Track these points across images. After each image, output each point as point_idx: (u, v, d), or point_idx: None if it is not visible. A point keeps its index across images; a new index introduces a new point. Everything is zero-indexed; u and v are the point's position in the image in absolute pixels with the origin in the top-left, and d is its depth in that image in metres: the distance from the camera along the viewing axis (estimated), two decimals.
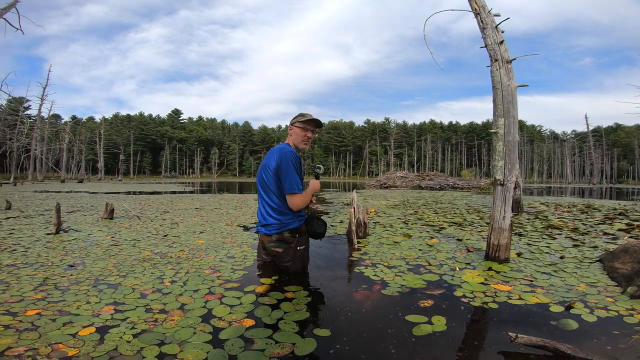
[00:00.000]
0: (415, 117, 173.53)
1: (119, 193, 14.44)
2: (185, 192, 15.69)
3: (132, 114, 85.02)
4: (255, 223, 2.63)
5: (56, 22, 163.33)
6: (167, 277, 2.49)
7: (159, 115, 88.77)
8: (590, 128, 56.54)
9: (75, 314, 1.81)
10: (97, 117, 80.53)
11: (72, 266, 2.76)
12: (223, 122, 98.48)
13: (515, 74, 2.97)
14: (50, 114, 40.98)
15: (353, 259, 3.09)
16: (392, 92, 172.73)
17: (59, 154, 45.76)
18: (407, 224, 5.06)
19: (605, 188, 32.22)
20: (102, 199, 10.07)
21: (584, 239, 3.84)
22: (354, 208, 3.81)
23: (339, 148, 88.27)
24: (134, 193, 14.83)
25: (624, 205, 8.15)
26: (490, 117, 3.13)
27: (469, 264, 2.87)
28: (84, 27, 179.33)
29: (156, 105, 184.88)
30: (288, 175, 2.30)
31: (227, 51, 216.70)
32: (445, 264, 2.87)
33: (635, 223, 4.83)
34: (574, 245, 3.53)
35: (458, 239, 3.87)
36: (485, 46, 2.99)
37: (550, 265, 2.84)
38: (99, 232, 4.38)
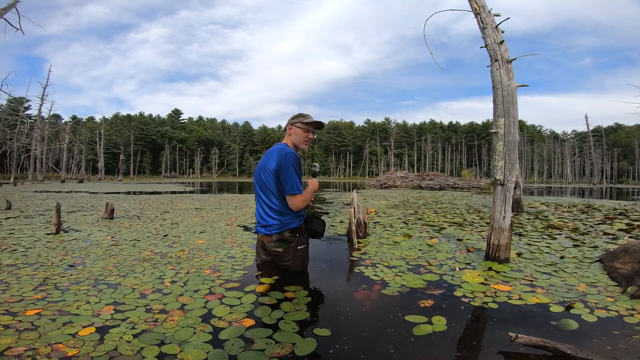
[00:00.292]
0: (415, 117, 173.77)
1: (119, 193, 14.45)
2: (186, 192, 15.69)
3: (132, 114, 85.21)
4: (254, 223, 2.63)
5: (56, 22, 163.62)
6: (167, 277, 2.49)
7: (159, 115, 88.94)
8: (591, 128, 56.52)
9: (75, 314, 1.81)
10: (97, 117, 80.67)
11: (72, 266, 2.76)
12: (223, 122, 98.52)
13: (515, 74, 2.97)
14: (51, 114, 41.05)
15: (353, 258, 3.09)
16: (392, 92, 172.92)
17: (59, 154, 45.78)
18: (407, 224, 5.06)
19: (606, 188, 32.21)
20: (102, 199, 10.07)
21: (584, 239, 3.84)
22: (354, 208, 3.80)
23: (339, 148, 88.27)
24: (134, 193, 14.84)
25: (624, 205, 8.15)
26: (491, 117, 3.13)
27: (469, 264, 2.87)
28: (84, 27, 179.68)
29: (156, 105, 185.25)
30: (289, 176, 2.29)
31: (228, 51, 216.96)
32: (445, 264, 2.86)
33: (636, 223, 4.83)
34: (574, 245, 3.53)
35: (458, 239, 3.87)
36: (486, 46, 2.99)
37: (550, 265, 2.84)
38: (99, 232, 4.38)
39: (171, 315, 1.83)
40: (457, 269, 2.73)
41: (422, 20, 3.51)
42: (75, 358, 1.40)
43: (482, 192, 17.31)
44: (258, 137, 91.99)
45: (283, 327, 1.71)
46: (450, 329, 1.71)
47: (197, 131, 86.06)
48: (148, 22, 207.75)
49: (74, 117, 64.62)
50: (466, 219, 5.62)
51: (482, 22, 3.00)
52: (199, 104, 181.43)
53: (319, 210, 7.24)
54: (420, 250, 3.37)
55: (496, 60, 2.92)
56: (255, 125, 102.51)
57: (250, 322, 1.77)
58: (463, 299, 2.11)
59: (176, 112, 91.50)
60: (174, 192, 15.58)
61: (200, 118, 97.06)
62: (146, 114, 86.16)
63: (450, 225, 4.88)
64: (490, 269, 2.71)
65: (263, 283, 2.31)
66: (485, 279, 2.47)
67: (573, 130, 74.98)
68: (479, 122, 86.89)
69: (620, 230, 4.38)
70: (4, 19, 11.40)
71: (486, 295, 2.16)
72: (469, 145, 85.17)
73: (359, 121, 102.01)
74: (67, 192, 15.03)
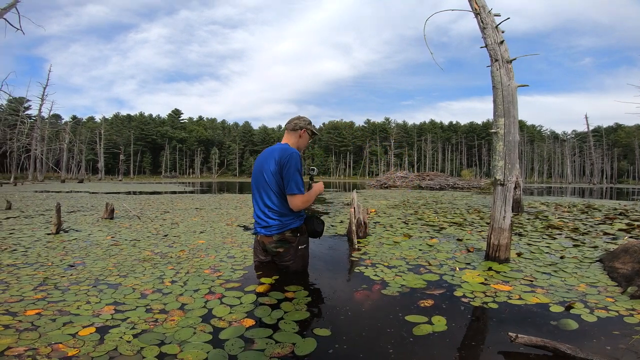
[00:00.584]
0: (415, 117, 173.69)
1: (119, 193, 14.45)
2: (186, 192, 15.69)
3: (132, 114, 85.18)
4: (253, 223, 2.63)
5: (57, 22, 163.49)
6: (167, 277, 2.49)
7: (159, 115, 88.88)
8: (591, 128, 56.48)
9: (75, 314, 1.82)
10: (98, 117, 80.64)
11: (72, 266, 2.76)
12: (223, 122, 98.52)
13: (515, 74, 2.97)
14: (51, 114, 41.03)
15: (353, 258, 3.09)
16: (392, 92, 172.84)
17: (59, 154, 45.80)
18: (407, 224, 5.06)
19: (606, 188, 32.21)
20: (102, 199, 10.07)
21: (584, 239, 3.84)
22: (354, 208, 3.80)
23: (339, 148, 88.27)
24: (134, 193, 14.84)
25: (624, 205, 8.15)
26: (491, 117, 3.13)
27: (469, 264, 2.87)
28: (85, 27, 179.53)
29: (156, 105, 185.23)
30: (292, 176, 2.29)
31: (228, 51, 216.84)
32: (445, 264, 2.86)
33: (636, 223, 4.83)
34: (574, 245, 3.53)
35: (458, 239, 3.87)
36: (486, 46, 2.99)
37: (550, 265, 2.84)
38: (99, 232, 4.38)
39: (171, 315, 1.83)
40: (457, 269, 2.73)
41: (422, 20, 3.51)
42: (75, 358, 1.40)
43: (482, 192, 17.31)
44: (258, 137, 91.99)
45: (283, 327, 1.71)
46: (450, 329, 1.71)
47: (197, 131, 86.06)
48: (148, 22, 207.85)
49: (74, 117, 64.63)
50: (466, 219, 5.62)
51: (482, 22, 3.00)
52: (199, 104, 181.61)
53: (319, 210, 7.24)
54: (420, 250, 3.37)
55: (496, 60, 2.92)
56: (255, 125, 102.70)
57: (250, 322, 1.77)
58: (463, 299, 2.11)
59: (176, 112, 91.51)
60: (174, 192, 15.59)
61: (201, 118, 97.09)
62: (146, 114, 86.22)
63: (450, 225, 4.88)
64: (490, 269, 2.71)
65: (263, 283, 2.31)
66: (485, 279, 2.47)
67: (573, 130, 75.05)
68: (479, 122, 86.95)
69: (620, 230, 4.38)
70: (4, 19, 11.40)
71: (486, 295, 2.16)
72: (469, 145, 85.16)
73: (359, 121, 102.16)
74: (67, 192, 15.04)
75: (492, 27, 2.97)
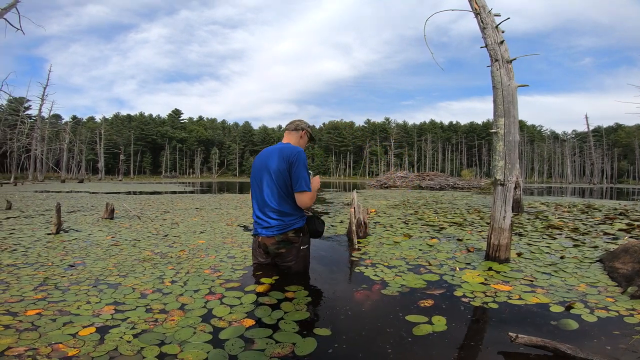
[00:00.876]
0: (416, 117, 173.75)
1: (119, 193, 14.45)
2: (186, 192, 15.69)
3: (132, 114, 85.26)
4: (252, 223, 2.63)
5: (57, 23, 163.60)
6: (167, 277, 2.49)
7: (159, 115, 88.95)
8: (591, 128, 56.49)
9: (76, 314, 1.82)
10: (98, 117, 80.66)
11: (72, 266, 2.76)
12: (223, 122, 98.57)
13: (515, 74, 2.97)
14: (51, 114, 41.05)
15: (353, 258, 3.09)
16: (392, 92, 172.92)
17: (60, 154, 45.82)
18: (407, 224, 5.06)
19: (606, 188, 32.20)
20: (102, 199, 10.07)
21: (585, 239, 3.84)
22: (354, 208, 3.80)
23: (339, 148, 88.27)
24: (134, 193, 14.84)
25: (625, 205, 8.14)
26: (491, 117, 3.13)
27: (469, 264, 2.87)
28: (85, 27, 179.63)
29: (157, 105, 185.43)
30: (301, 174, 2.29)
31: (228, 51, 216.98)
32: (445, 264, 2.86)
33: (636, 223, 4.82)
34: (574, 245, 3.53)
35: (458, 239, 3.86)
36: (486, 46, 2.99)
37: (550, 265, 2.84)
38: (99, 232, 4.39)
39: (171, 315, 1.83)
40: (457, 269, 2.73)
41: (422, 20, 3.51)
42: (75, 358, 1.40)
43: (482, 192, 17.31)
44: (258, 137, 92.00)
45: (283, 327, 1.71)
46: (450, 329, 1.71)
47: (197, 131, 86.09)
48: (148, 22, 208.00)
49: (74, 117, 64.76)
50: (466, 219, 5.62)
51: (482, 22, 3.00)
52: (199, 104, 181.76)
53: (319, 210, 7.24)
54: (420, 250, 3.37)
55: (496, 60, 2.92)
56: (256, 125, 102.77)
57: (250, 322, 1.77)
58: (463, 299, 2.11)
59: (176, 112, 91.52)
60: (174, 192, 15.59)
61: (201, 118, 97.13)
62: (146, 114, 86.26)
63: (450, 225, 4.88)
64: (490, 269, 2.71)
65: (263, 283, 2.31)
66: (486, 279, 2.47)
67: (573, 130, 75.08)
68: (479, 122, 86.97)
69: (620, 230, 4.38)
70: (5, 19, 11.41)
71: (486, 295, 2.16)
72: (469, 145, 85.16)
73: (359, 121, 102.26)
74: (68, 192, 15.04)
75: (492, 27, 2.97)
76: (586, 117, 53.46)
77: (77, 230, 4.46)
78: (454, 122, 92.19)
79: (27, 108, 43.82)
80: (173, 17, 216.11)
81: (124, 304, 1.97)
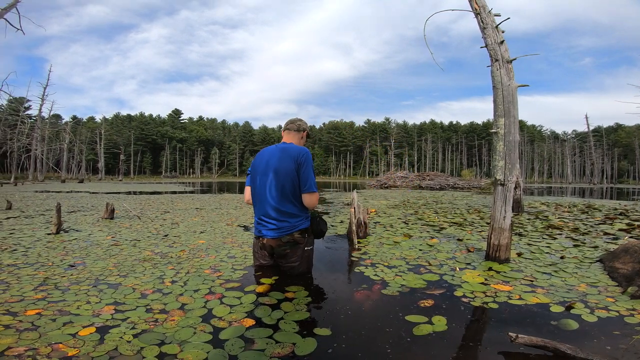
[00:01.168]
0: (416, 117, 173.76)
1: (119, 193, 14.45)
2: (186, 192, 15.70)
3: (132, 114, 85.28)
4: (253, 224, 2.61)
5: (57, 23, 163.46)
6: (167, 277, 2.49)
7: (159, 115, 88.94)
8: (591, 128, 56.44)
9: (76, 314, 1.82)
10: (98, 117, 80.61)
11: (72, 266, 2.76)
12: (223, 122, 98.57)
13: (515, 74, 2.97)
14: (51, 114, 41.05)
15: (353, 258, 3.09)
16: (392, 92, 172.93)
17: (60, 154, 45.86)
18: (407, 224, 5.05)
19: (606, 188, 32.19)
20: (102, 199, 10.08)
21: (585, 239, 3.84)
22: (354, 208, 3.80)
23: (339, 148, 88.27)
24: (135, 193, 14.85)
25: (625, 205, 8.14)
26: (491, 117, 3.13)
27: (469, 264, 2.87)
28: (85, 28, 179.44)
29: (157, 105, 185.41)
30: (310, 174, 2.29)
31: (228, 51, 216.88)
32: (445, 264, 2.86)
33: (636, 223, 4.82)
34: (575, 245, 3.53)
35: (458, 239, 3.86)
36: (486, 46, 2.99)
37: (550, 265, 2.84)
38: (99, 232, 4.39)
39: (171, 315, 1.83)
40: (458, 269, 2.73)
41: (422, 20, 3.52)
42: (75, 358, 1.40)
43: (483, 192, 17.30)
44: (258, 137, 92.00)
45: (283, 327, 1.71)
46: (450, 329, 1.71)
47: (197, 131, 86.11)
48: (148, 23, 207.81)
49: (74, 117, 64.81)
50: (466, 219, 5.62)
51: (482, 22, 3.00)
52: (199, 104, 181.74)
53: (319, 210, 7.24)
54: (420, 250, 3.37)
55: (496, 60, 2.92)
56: (256, 125, 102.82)
57: (250, 322, 1.77)
58: (463, 299, 2.11)
59: (176, 112, 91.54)
60: (174, 192, 15.59)
61: (201, 118, 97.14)
62: (146, 114, 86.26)
63: (450, 225, 4.88)
64: (490, 269, 2.71)
65: (263, 283, 2.31)
66: (486, 279, 2.47)
67: (573, 130, 75.10)
68: (479, 122, 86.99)
69: (620, 230, 4.38)
70: (5, 19, 11.41)
71: (486, 295, 2.16)
72: (469, 145, 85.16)
73: (359, 121, 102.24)
74: (68, 192, 15.05)
75: (492, 27, 2.97)
76: (586, 117, 53.45)
77: (77, 230, 4.46)
78: (454, 122, 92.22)
79: (27, 108, 43.85)
80: (173, 17, 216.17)
81: (124, 304, 1.97)
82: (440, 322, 1.77)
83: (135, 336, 1.58)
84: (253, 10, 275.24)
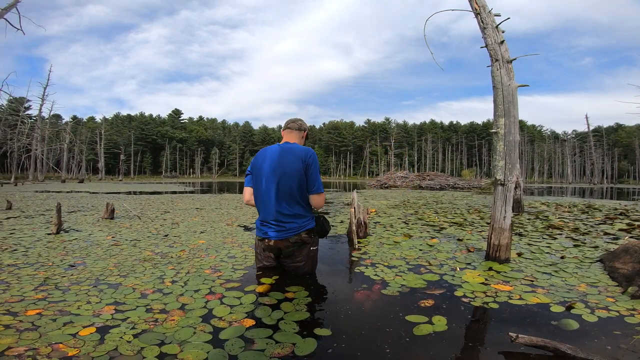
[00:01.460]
0: (416, 117, 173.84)
1: (119, 193, 14.45)
2: (186, 192, 15.70)
3: (132, 114, 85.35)
4: (254, 224, 2.59)
5: (57, 23, 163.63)
6: (167, 277, 2.49)
7: (159, 115, 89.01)
8: (591, 128, 56.44)
9: (76, 314, 1.82)
10: (98, 117, 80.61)
11: (72, 266, 2.76)
12: (223, 122, 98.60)
13: (515, 74, 2.96)
14: (51, 114, 41.05)
15: (353, 258, 3.09)
16: (392, 92, 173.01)
17: (60, 154, 45.86)
18: (407, 224, 5.05)
19: (606, 188, 32.18)
20: (102, 199, 10.08)
21: (585, 239, 3.84)
22: (355, 208, 3.80)
23: (339, 148, 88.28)
24: (135, 193, 14.85)
25: (625, 205, 8.14)
26: (491, 117, 3.13)
27: (469, 264, 2.87)
28: (85, 28, 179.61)
29: (157, 105, 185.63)
30: (317, 175, 2.30)
31: (228, 51, 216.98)
32: (445, 264, 2.86)
33: (636, 223, 4.82)
34: (575, 245, 3.52)
35: (458, 239, 3.86)
36: (486, 46, 2.99)
37: (550, 265, 2.84)
38: (99, 232, 4.39)
39: (171, 315, 1.83)
40: (458, 269, 2.73)
41: (422, 20, 3.51)
42: (75, 358, 1.40)
43: (483, 192, 17.30)
44: (258, 137, 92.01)
45: (283, 327, 1.71)
46: (450, 329, 1.71)
47: (197, 131, 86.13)
48: (148, 23, 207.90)
49: (74, 117, 64.84)
50: (466, 219, 5.62)
51: (482, 22, 3.00)
52: (199, 104, 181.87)
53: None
54: (420, 250, 3.37)
55: (496, 60, 2.92)
56: (256, 125, 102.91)
57: (250, 322, 1.77)
58: (463, 299, 2.11)
59: (176, 112, 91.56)
60: (175, 192, 15.59)
61: (201, 118, 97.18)
62: (147, 114, 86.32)
63: (450, 225, 4.88)
64: (490, 269, 2.71)
65: (263, 283, 2.31)
66: (486, 279, 2.47)
67: (573, 130, 75.13)
68: (479, 122, 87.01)
69: (620, 230, 4.38)
70: (5, 19, 11.41)
71: (487, 295, 2.16)
72: (469, 145, 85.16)
73: (359, 121, 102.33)
74: (68, 192, 15.05)
75: (492, 27, 2.97)
76: (586, 117, 53.45)
77: (77, 230, 4.47)
78: (454, 122, 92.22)
79: (28, 108, 43.86)
80: (173, 17, 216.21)
81: (124, 304, 1.97)
82: (440, 322, 1.77)
83: (135, 336, 1.58)
84: (253, 10, 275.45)
